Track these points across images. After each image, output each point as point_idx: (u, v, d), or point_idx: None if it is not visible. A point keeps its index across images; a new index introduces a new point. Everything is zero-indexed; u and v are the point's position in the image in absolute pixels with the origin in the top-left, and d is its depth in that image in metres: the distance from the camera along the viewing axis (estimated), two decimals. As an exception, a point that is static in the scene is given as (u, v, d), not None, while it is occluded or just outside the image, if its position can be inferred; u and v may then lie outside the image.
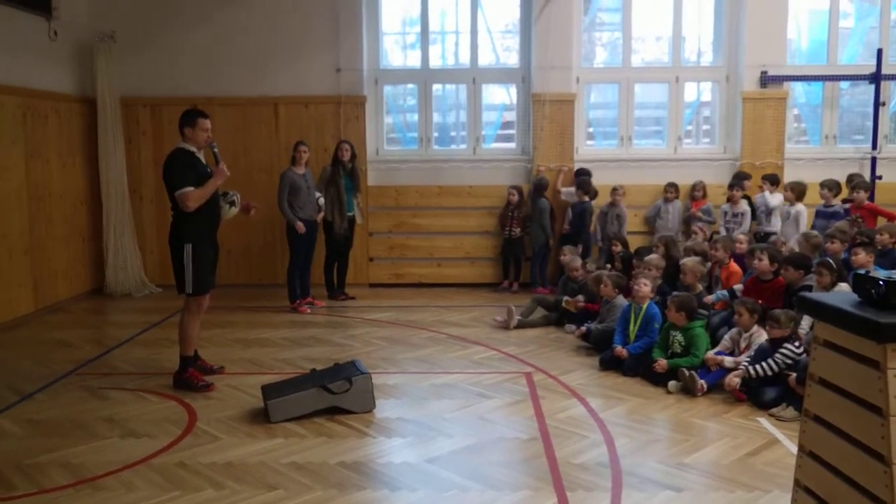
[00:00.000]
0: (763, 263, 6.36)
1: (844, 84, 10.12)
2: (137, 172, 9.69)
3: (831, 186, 8.56)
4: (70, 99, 9.05)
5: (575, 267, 8.00)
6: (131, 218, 9.55)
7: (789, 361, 5.22)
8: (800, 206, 8.37)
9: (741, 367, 5.43)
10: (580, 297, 7.60)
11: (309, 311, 8.46)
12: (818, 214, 8.58)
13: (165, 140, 9.64)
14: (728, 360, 5.50)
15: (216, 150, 5.87)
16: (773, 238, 7.63)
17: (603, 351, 6.43)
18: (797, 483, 3.10)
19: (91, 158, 9.36)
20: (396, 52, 10.48)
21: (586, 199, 9.21)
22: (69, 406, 5.46)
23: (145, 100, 9.63)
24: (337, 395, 5.17)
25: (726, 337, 5.83)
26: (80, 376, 6.18)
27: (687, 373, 5.57)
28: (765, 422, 5.02)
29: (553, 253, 9.47)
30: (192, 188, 5.62)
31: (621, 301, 6.89)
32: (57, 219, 8.72)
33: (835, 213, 8.44)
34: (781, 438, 4.74)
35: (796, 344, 5.28)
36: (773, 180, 8.98)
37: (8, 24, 7.85)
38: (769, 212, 8.76)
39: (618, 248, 8.33)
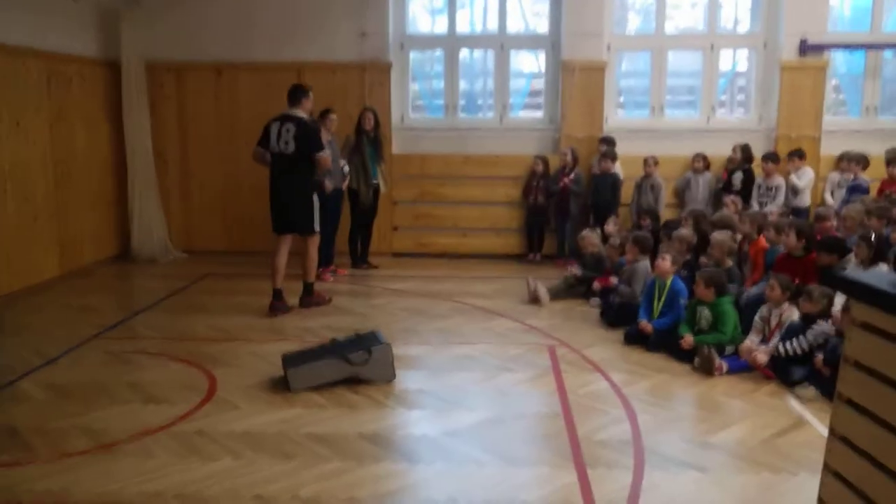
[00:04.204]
0: (790, 239, 6.18)
1: (888, 53, 9.75)
2: (162, 137, 9.65)
3: (858, 160, 8.36)
4: (94, 63, 9.00)
5: (592, 242, 7.88)
6: (156, 183, 9.54)
7: (821, 340, 5.07)
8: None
9: (770, 344, 5.29)
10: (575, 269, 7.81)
11: (332, 279, 8.42)
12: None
13: (189, 105, 9.63)
14: (762, 357, 5.29)
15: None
16: (821, 211, 7.29)
17: (614, 319, 6.52)
18: (827, 467, 2.99)
19: (115, 123, 9.33)
20: (423, 17, 10.29)
21: (614, 169, 9.04)
22: (92, 371, 5.49)
23: (170, 64, 9.56)
24: (357, 366, 5.13)
25: (757, 318, 5.64)
26: (103, 341, 6.21)
27: (706, 350, 5.43)
28: (792, 401, 4.90)
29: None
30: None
31: (644, 266, 6.78)
32: (82, 183, 8.73)
33: (857, 185, 8.26)
34: (809, 419, 4.61)
35: (829, 322, 5.12)
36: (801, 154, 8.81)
37: (32, -14, 7.80)
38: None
39: (646, 221, 8.19)
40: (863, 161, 8.55)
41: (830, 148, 9.21)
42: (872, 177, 8.71)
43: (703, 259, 6.86)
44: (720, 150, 9.29)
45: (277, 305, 7.02)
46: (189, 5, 9.48)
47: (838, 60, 9.89)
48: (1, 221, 7.31)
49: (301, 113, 6.92)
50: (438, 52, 10.03)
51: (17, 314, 7.02)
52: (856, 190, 8.28)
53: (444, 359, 5.79)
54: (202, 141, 9.71)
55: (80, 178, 8.68)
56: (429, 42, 10.06)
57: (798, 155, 8.75)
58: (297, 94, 6.98)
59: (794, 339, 5.16)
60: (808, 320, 5.24)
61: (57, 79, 8.20)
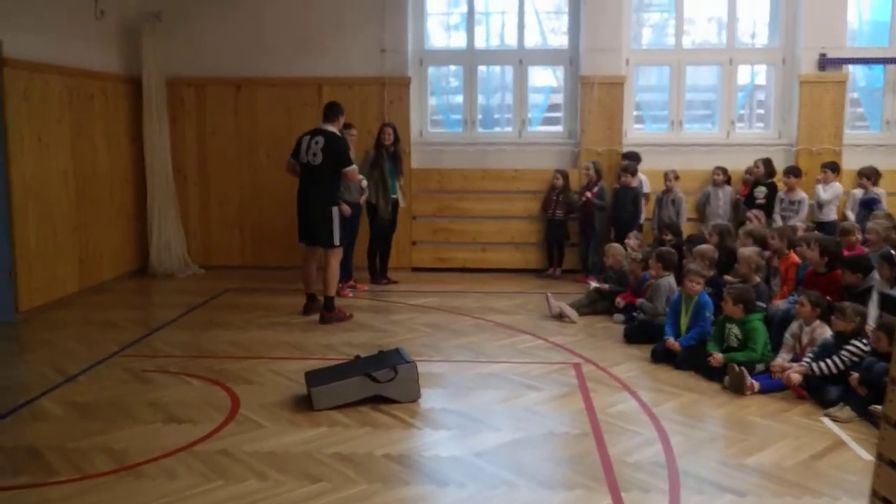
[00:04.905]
0: (813, 254, 6.09)
1: (907, 68, 9.68)
2: (181, 152, 9.66)
3: (869, 174, 8.30)
4: (116, 79, 9.03)
5: (615, 256, 7.80)
6: (175, 198, 9.53)
7: (856, 359, 4.96)
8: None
9: (803, 363, 5.18)
10: (603, 284, 7.70)
11: (351, 294, 8.37)
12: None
13: (209, 120, 9.64)
14: (796, 376, 5.14)
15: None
16: (846, 226, 7.17)
17: (638, 337, 6.44)
18: (875, 494, 2.89)
19: (136, 138, 9.35)
20: (441, 32, 10.28)
21: (635, 183, 8.96)
22: (112, 389, 5.43)
23: (190, 80, 9.58)
24: (381, 384, 5.06)
25: (787, 335, 5.54)
26: (123, 358, 6.16)
27: (736, 368, 5.32)
28: (828, 422, 4.78)
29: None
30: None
31: (668, 283, 6.69)
32: (102, 198, 8.73)
33: (871, 199, 8.18)
34: (847, 440, 4.49)
35: (864, 341, 5.01)
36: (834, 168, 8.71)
37: (55, 3, 7.83)
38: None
39: (668, 235, 8.11)
40: (874, 175, 8.51)
41: (851, 162, 9.12)
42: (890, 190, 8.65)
43: (726, 277, 6.76)
44: (740, 165, 9.21)
45: (311, 306, 7.45)
46: (210, 21, 9.51)
47: (857, 74, 9.81)
48: (22, 236, 7.29)
49: (332, 128, 7.25)
50: (456, 68, 10.02)
51: (37, 330, 7.01)
52: (869, 204, 8.20)
53: (468, 377, 5.71)
54: (221, 156, 9.71)
55: (100, 193, 8.69)
56: (448, 57, 10.05)
57: (831, 168, 8.66)
58: (334, 110, 7.36)
59: (829, 359, 5.05)
60: (840, 338, 5.13)
61: (79, 95, 8.22)
